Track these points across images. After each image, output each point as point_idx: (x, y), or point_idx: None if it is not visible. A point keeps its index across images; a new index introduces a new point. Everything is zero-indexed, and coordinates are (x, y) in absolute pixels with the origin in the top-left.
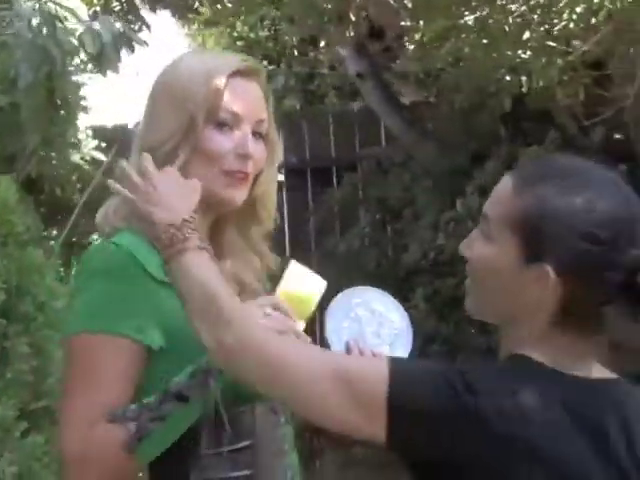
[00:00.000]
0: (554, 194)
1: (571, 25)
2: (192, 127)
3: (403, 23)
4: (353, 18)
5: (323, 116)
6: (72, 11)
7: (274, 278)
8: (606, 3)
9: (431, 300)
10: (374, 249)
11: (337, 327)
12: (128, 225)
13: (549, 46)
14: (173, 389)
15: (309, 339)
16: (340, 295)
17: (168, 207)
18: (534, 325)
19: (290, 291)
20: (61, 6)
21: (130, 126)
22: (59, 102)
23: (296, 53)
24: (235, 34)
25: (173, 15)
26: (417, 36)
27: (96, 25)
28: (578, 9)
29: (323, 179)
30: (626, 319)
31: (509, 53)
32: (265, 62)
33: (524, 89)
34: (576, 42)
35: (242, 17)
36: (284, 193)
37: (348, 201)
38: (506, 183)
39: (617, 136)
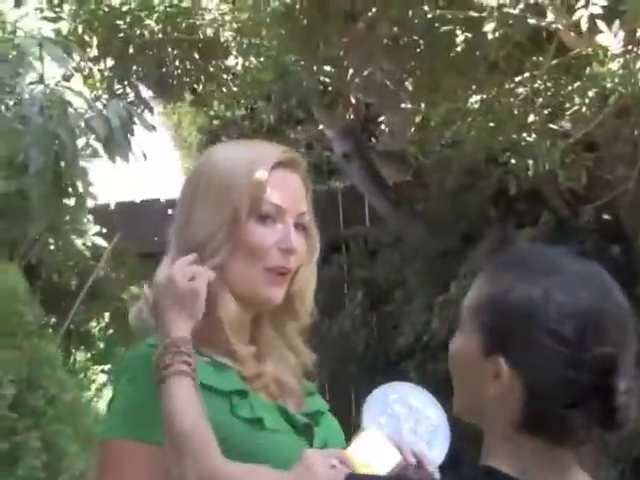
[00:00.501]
0: (515, 282)
1: (584, 109)
2: (236, 221)
3: (403, 105)
4: (353, 101)
5: None
6: (80, 94)
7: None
8: (619, 88)
9: (425, 384)
10: (363, 331)
11: (374, 423)
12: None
13: (551, 129)
14: None
15: None
16: (377, 390)
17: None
18: (499, 428)
19: (361, 458)
20: (68, 89)
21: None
22: (67, 187)
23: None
24: (212, 113)
25: (158, 95)
26: (417, 118)
27: (100, 107)
28: (590, 93)
29: None
30: (596, 425)
31: (514, 136)
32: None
33: (530, 172)
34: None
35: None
36: None
37: (335, 281)
38: (481, 270)
39: (606, 217)
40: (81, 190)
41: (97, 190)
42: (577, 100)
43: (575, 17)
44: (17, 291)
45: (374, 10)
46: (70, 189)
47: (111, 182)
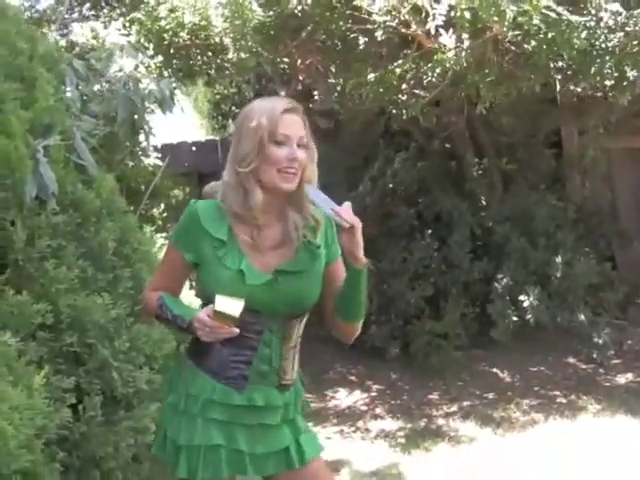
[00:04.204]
0: None
1: (434, 79)
2: (262, 145)
3: (330, 80)
4: (301, 78)
5: None
6: (144, 76)
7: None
8: (453, 67)
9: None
10: None
11: (320, 197)
12: (218, 199)
13: (416, 93)
14: (173, 318)
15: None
16: (311, 188)
17: None
18: None
19: (222, 311)
20: (140, 74)
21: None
22: (138, 130)
23: None
24: (215, 91)
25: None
26: (339, 87)
27: (155, 86)
28: (437, 70)
29: None
30: None
31: (394, 97)
32: (233, 107)
33: (404, 117)
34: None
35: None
36: None
37: None
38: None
39: (447, 145)
40: (147, 131)
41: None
42: (429, 74)
43: (427, 26)
44: (115, 188)
45: (311, 25)
46: (141, 131)
47: (159, 131)
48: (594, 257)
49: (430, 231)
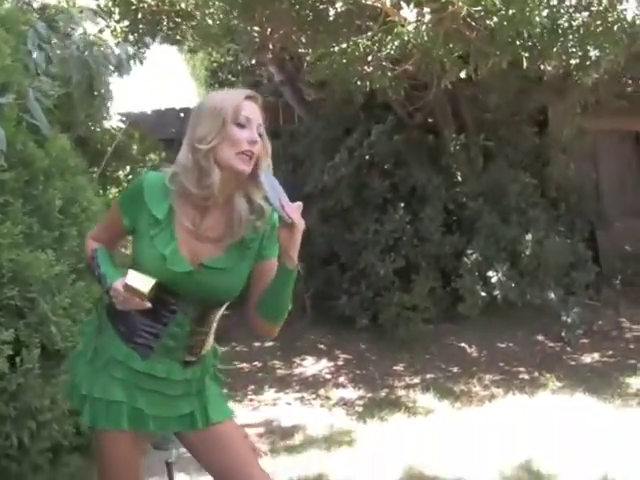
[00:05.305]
0: None
1: (392, 52)
2: (224, 125)
3: (301, 50)
4: (271, 47)
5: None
6: (104, 41)
7: None
8: (412, 40)
9: (319, 211)
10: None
11: (272, 185)
12: (169, 175)
13: (383, 65)
14: (98, 275)
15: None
16: (264, 174)
17: None
18: None
19: (132, 286)
20: (99, 38)
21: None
22: (96, 93)
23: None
24: (212, 59)
25: (165, 42)
26: (308, 58)
27: (117, 49)
28: (396, 42)
29: None
30: None
31: (359, 68)
32: (229, 75)
33: (367, 89)
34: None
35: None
36: None
37: (273, 156)
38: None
39: (430, 120)
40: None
41: (143, 102)
42: (389, 46)
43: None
44: (66, 148)
45: None
46: (98, 94)
47: (152, 97)
48: (570, 237)
49: (403, 204)
